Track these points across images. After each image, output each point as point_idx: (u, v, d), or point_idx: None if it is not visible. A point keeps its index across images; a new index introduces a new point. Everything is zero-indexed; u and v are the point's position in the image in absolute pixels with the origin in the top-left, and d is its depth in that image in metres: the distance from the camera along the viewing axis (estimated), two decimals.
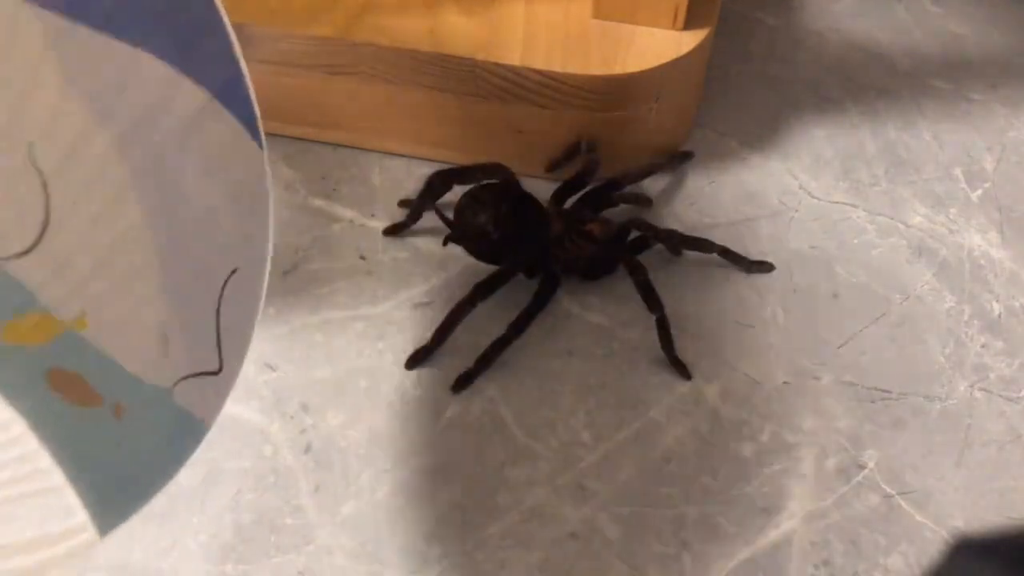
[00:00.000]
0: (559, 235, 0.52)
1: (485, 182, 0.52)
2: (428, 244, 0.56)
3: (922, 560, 0.45)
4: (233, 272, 0.35)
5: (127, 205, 0.30)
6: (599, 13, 0.54)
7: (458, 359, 0.51)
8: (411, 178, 0.59)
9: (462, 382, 0.50)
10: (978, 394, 0.50)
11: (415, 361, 0.51)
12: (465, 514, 0.47)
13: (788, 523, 0.46)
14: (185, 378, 0.33)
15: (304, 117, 0.59)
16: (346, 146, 0.60)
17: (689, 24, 0.54)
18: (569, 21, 0.54)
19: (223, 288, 0.34)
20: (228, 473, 0.48)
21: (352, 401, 0.50)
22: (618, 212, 0.55)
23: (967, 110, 0.62)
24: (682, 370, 0.50)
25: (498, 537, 0.46)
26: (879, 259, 0.55)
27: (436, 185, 0.53)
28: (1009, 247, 0.56)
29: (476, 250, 0.51)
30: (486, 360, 0.50)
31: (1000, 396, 0.50)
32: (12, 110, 0.26)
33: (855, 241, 0.56)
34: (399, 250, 0.55)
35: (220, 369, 0.35)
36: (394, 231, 0.56)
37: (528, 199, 0.52)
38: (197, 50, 0.32)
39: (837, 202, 0.58)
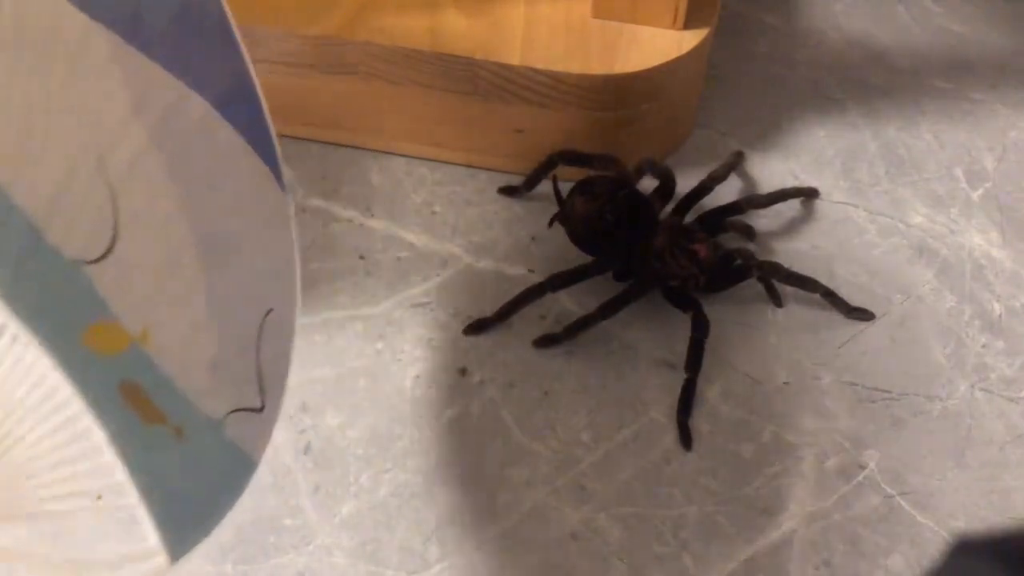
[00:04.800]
0: (664, 246, 0.51)
1: (605, 175, 0.52)
2: (428, 244, 0.56)
3: (922, 560, 0.45)
4: (269, 312, 0.37)
5: (177, 225, 0.32)
6: (599, 13, 0.54)
7: (456, 359, 0.51)
8: (411, 178, 0.59)
9: (546, 342, 0.51)
10: (979, 394, 0.50)
11: (475, 329, 0.52)
12: (465, 514, 0.47)
13: (788, 523, 0.46)
14: (233, 412, 0.34)
15: (304, 117, 0.59)
16: (346, 146, 0.60)
17: (689, 24, 0.54)
18: (569, 21, 0.54)
19: (261, 327, 0.36)
20: None
21: (352, 401, 0.50)
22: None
23: (968, 110, 0.62)
24: (687, 438, 0.49)
25: (498, 537, 0.46)
26: (880, 259, 0.55)
27: (555, 161, 0.54)
28: (1010, 247, 0.56)
29: (577, 235, 0.52)
30: (571, 331, 0.50)
31: (1001, 396, 0.50)
32: (88, 124, 0.28)
33: (855, 241, 0.56)
34: (399, 250, 0.55)
35: (263, 407, 0.37)
36: (509, 192, 0.58)
37: (642, 202, 0.52)
38: (232, 100, 0.36)
39: (838, 202, 0.58)
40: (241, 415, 0.35)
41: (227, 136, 0.35)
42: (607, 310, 0.50)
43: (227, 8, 0.35)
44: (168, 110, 0.32)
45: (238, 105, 0.36)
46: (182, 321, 0.32)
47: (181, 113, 0.33)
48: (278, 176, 0.39)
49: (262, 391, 0.37)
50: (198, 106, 0.33)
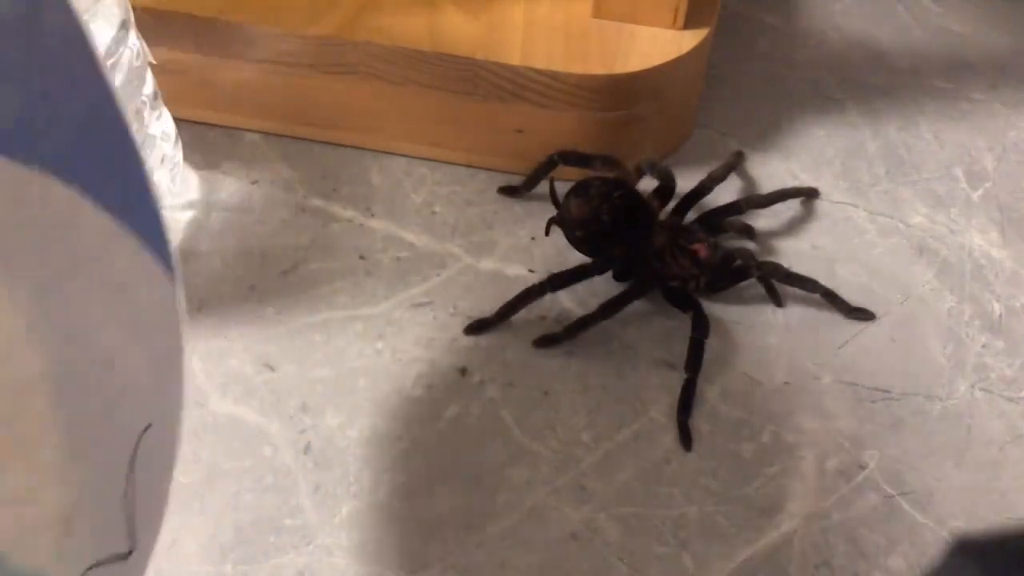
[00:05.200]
0: (664, 246, 0.51)
1: (601, 176, 0.52)
2: (428, 243, 0.56)
3: (922, 561, 0.45)
4: (146, 429, 0.29)
5: (24, 347, 0.24)
6: (599, 13, 0.54)
7: (456, 359, 0.51)
8: (411, 178, 0.59)
9: (546, 342, 0.51)
10: (979, 394, 0.50)
11: (475, 329, 0.52)
12: (465, 514, 0.47)
13: (788, 523, 0.46)
14: (91, 568, 0.27)
15: (304, 117, 0.59)
16: (346, 146, 0.60)
17: (689, 24, 0.54)
18: (569, 21, 0.54)
19: (136, 449, 0.29)
20: (227, 473, 0.48)
21: (352, 401, 0.50)
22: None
23: (968, 110, 0.62)
24: (687, 438, 0.48)
25: (498, 537, 0.46)
26: (880, 259, 0.55)
27: (555, 161, 0.54)
28: (1010, 247, 0.56)
29: (574, 237, 0.52)
30: (571, 331, 0.50)
31: (1001, 396, 0.50)
32: None
33: (855, 241, 0.56)
34: (399, 250, 0.55)
35: (131, 551, 0.29)
36: (509, 192, 0.57)
37: (639, 202, 0.52)
38: (103, 167, 0.27)
39: (837, 202, 0.58)
40: (101, 570, 0.27)
41: (94, 222, 0.26)
42: (607, 310, 0.50)
43: (118, 103, 0.27)
44: (8, 199, 0.24)
45: (112, 179, 0.27)
46: (25, 474, 0.24)
47: (35, 198, 0.24)
48: (163, 256, 0.30)
49: (131, 531, 0.29)
50: (59, 190, 0.25)
